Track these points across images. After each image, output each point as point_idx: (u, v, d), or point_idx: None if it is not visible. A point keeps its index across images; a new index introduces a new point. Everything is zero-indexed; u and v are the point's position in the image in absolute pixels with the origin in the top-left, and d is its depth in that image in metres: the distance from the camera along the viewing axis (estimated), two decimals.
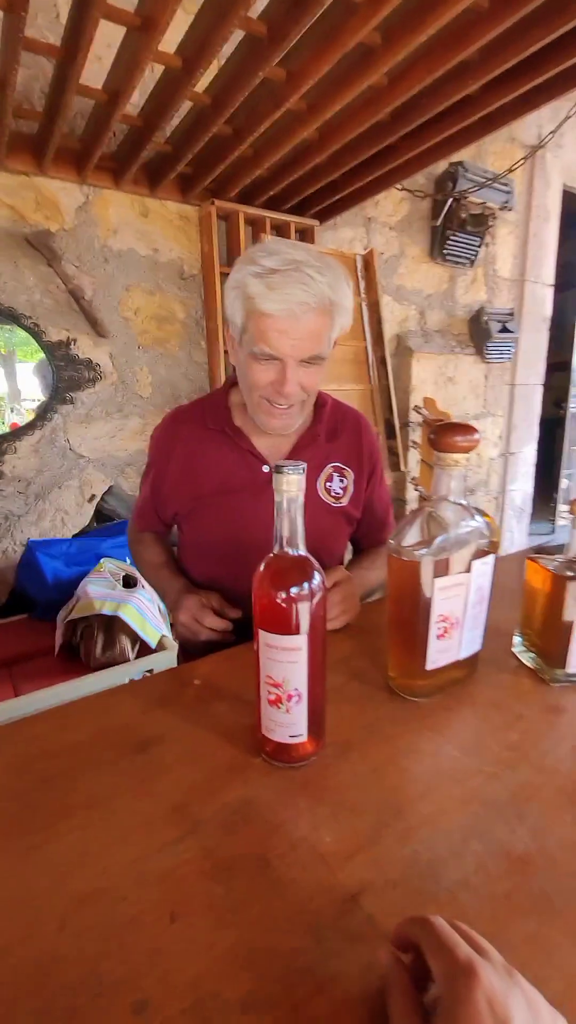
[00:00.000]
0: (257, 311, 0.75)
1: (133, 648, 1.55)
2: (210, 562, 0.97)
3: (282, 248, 0.75)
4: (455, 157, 2.48)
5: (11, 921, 0.40)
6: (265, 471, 0.91)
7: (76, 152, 1.64)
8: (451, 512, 0.62)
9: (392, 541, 0.63)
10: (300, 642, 0.50)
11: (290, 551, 0.51)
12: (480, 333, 2.91)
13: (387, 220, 2.49)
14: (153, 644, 1.58)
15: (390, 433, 2.39)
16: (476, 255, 2.81)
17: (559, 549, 0.71)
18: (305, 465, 0.49)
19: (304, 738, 0.53)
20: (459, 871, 0.43)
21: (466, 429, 0.61)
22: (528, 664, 0.73)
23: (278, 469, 0.48)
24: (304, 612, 0.50)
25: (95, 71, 1.36)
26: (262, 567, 0.52)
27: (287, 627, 0.50)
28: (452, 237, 2.62)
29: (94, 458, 1.95)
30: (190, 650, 1.04)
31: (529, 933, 0.38)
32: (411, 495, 2.66)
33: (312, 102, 1.38)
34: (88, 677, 1.44)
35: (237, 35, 1.18)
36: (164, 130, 1.48)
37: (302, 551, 0.51)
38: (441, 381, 2.80)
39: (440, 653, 0.64)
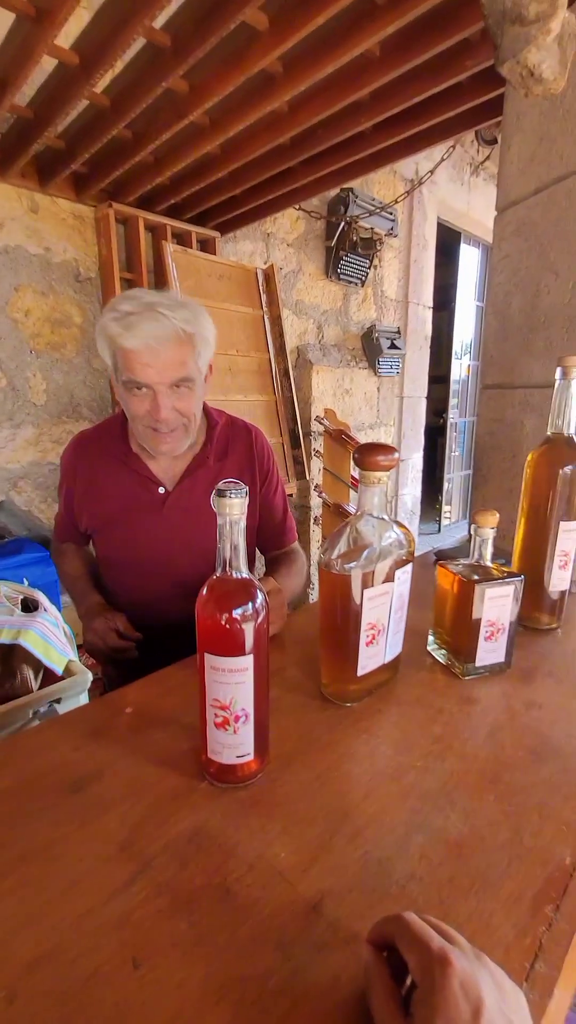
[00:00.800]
0: (120, 348, 0.83)
1: (37, 677, 1.42)
2: (120, 574, 1.06)
3: (140, 294, 0.85)
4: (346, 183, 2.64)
5: None
6: (160, 492, 0.99)
7: None
8: (374, 526, 0.67)
9: (322, 555, 0.66)
10: (247, 663, 0.51)
11: (233, 574, 0.51)
12: (372, 348, 3.11)
13: (285, 237, 2.58)
14: (60, 670, 1.47)
15: (295, 442, 2.46)
16: (366, 276, 3.00)
17: (458, 552, 0.79)
18: (247, 488, 0.50)
19: (251, 757, 0.54)
20: (406, 864, 0.47)
21: (387, 449, 0.65)
22: (441, 661, 0.80)
23: (220, 492, 0.49)
24: (249, 632, 0.51)
25: None
26: (205, 590, 0.52)
27: (233, 648, 0.50)
28: (345, 257, 2.77)
29: None
30: (99, 660, 1.14)
31: (471, 910, 0.43)
32: (315, 501, 2.76)
33: (215, 118, 1.40)
34: None
35: (140, 40, 1.15)
36: (57, 126, 1.40)
37: (244, 573, 0.52)
38: (339, 393, 2.95)
39: (369, 659, 0.68)
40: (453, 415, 4.41)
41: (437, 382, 4.22)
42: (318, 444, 2.68)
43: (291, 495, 2.43)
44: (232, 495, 0.49)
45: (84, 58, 1.16)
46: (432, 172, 2.51)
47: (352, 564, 0.64)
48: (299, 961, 0.39)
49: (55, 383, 1.88)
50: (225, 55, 1.16)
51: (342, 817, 0.51)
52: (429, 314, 3.74)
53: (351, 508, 2.47)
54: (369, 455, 0.65)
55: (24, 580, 1.68)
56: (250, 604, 0.51)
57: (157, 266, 2.01)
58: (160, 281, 1.99)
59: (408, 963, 0.31)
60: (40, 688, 1.42)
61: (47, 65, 1.26)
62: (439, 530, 4.57)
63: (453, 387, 4.31)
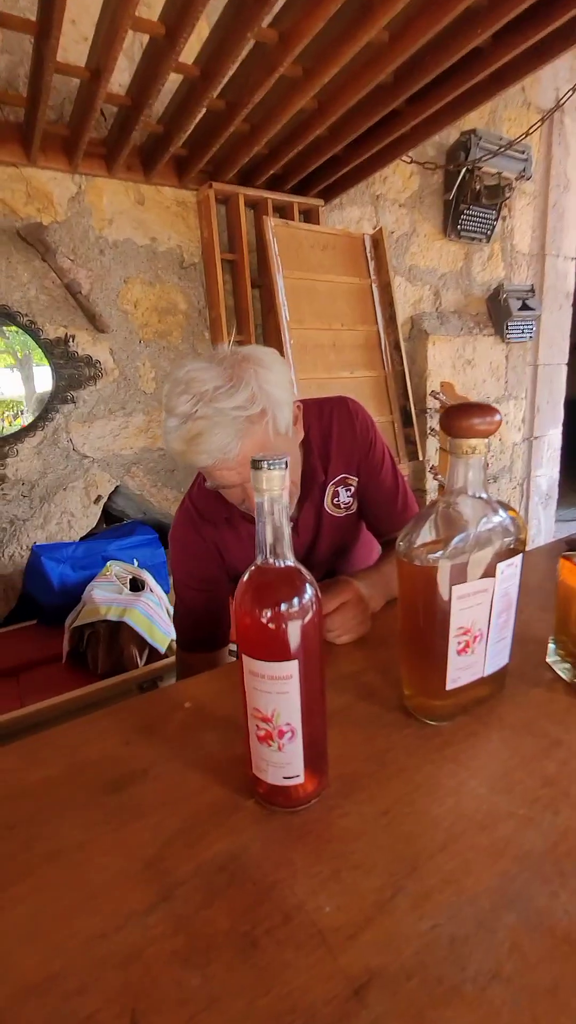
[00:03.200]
0: (192, 464, 0.73)
1: (141, 654, 1.49)
2: None
3: (191, 378, 0.69)
4: (466, 123, 2.34)
5: None
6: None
7: (65, 139, 1.57)
8: (469, 507, 0.53)
9: (401, 543, 0.54)
10: (290, 669, 0.42)
11: (276, 562, 0.43)
12: (499, 312, 2.77)
13: (396, 197, 2.37)
14: (163, 649, 1.53)
15: (406, 421, 2.28)
16: (492, 230, 2.66)
17: None
18: (287, 458, 0.41)
19: (300, 779, 0.45)
20: (489, 954, 0.35)
21: (484, 410, 0.51)
22: (564, 677, 0.63)
23: (256, 465, 0.40)
24: (295, 632, 0.42)
25: (82, 51, 1.29)
26: (245, 577, 0.44)
27: (274, 651, 0.42)
28: (466, 212, 2.48)
29: (99, 458, 1.89)
30: None
31: None
32: (431, 485, 2.54)
33: (308, 66, 1.28)
34: (96, 685, 1.40)
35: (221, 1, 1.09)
36: (154, 108, 1.40)
37: (290, 561, 0.43)
38: (459, 364, 2.67)
39: (461, 671, 0.55)
40: None
41: None
42: (434, 422, 2.45)
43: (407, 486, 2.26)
44: (270, 466, 0.40)
45: (169, 27, 1.12)
46: (574, 90, 2.11)
47: (438, 554, 0.52)
48: None
49: (162, 370, 1.94)
50: None
51: (409, 870, 0.41)
52: (572, 267, 3.22)
53: None
54: (460, 418, 0.51)
55: (134, 561, 1.78)
56: (296, 599, 0.42)
57: (259, 243, 1.96)
58: (262, 258, 1.94)
59: None
60: (146, 665, 1.49)
61: (140, 45, 1.26)
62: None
63: None
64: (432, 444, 2.51)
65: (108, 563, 1.71)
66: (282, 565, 0.43)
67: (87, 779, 0.51)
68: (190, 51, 1.20)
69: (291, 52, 1.18)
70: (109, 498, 1.98)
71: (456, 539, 0.52)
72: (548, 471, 3.46)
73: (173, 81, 1.35)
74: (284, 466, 0.40)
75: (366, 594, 0.77)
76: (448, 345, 2.60)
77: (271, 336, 2.00)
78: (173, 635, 1.55)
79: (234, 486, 0.75)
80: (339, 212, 2.23)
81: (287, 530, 0.42)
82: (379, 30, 1.16)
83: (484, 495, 0.54)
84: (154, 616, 1.54)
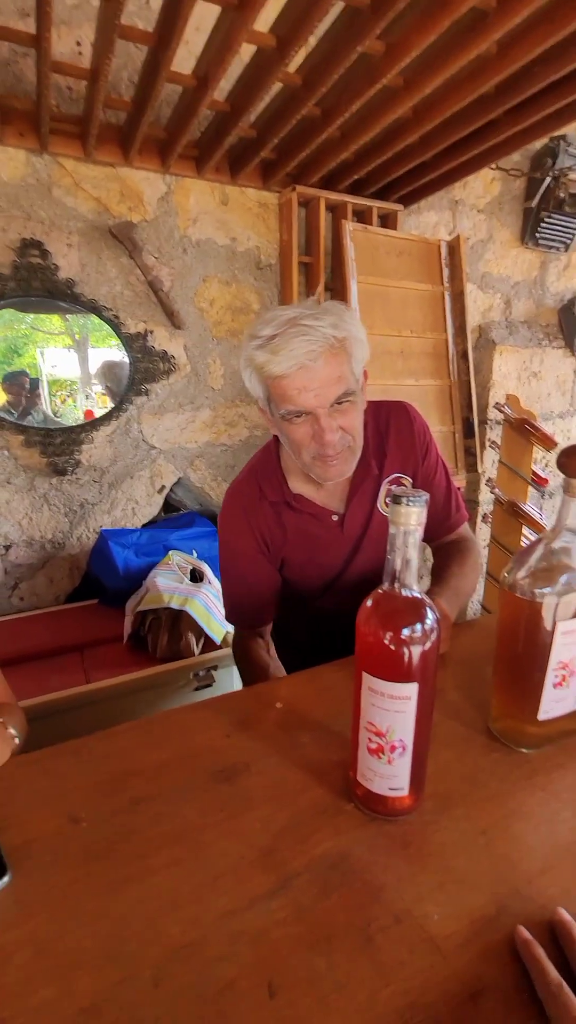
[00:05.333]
0: (271, 377, 0.76)
1: (198, 643, 1.56)
2: (301, 605, 1.02)
3: (278, 313, 0.76)
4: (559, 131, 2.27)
5: (102, 972, 0.38)
6: (335, 519, 0.93)
7: (161, 141, 1.62)
8: None
9: (507, 574, 0.56)
10: (410, 691, 0.45)
11: (402, 591, 0.45)
12: (571, 324, 2.69)
13: (475, 202, 2.33)
14: (218, 640, 1.59)
15: (468, 432, 2.25)
16: (572, 238, 2.58)
17: None
18: (428, 496, 0.44)
19: (405, 792, 0.48)
20: None
21: None
22: None
23: (395, 499, 0.43)
24: (416, 657, 0.45)
25: (180, 57, 1.33)
26: (369, 602, 0.47)
27: (396, 673, 0.45)
28: (547, 219, 2.41)
29: (165, 449, 1.96)
30: None
31: None
32: (485, 497, 2.51)
33: (410, 77, 1.29)
34: (155, 668, 1.47)
35: (335, 9, 1.10)
36: (250, 115, 1.43)
37: (416, 592, 0.46)
38: (524, 376, 2.62)
39: (555, 703, 0.57)
40: None
41: None
42: (495, 434, 2.41)
43: (459, 489, 2.25)
44: (410, 503, 0.43)
45: (280, 39, 1.15)
46: None
47: (546, 589, 0.53)
48: None
49: (231, 368, 1.99)
50: (428, 1, 1.05)
51: (511, 891, 0.43)
52: None
53: (528, 508, 2.19)
54: None
55: (193, 552, 1.84)
56: (419, 625, 0.45)
57: (335, 247, 1.98)
58: (337, 262, 1.96)
59: None
60: (201, 654, 1.55)
61: (243, 57, 1.29)
62: None
63: None
64: (491, 456, 2.47)
65: (170, 552, 1.78)
66: (408, 595, 0.45)
67: (199, 766, 0.56)
68: (291, 62, 1.23)
69: (397, 64, 1.19)
70: (170, 488, 2.05)
71: (564, 577, 0.54)
72: None
73: (270, 92, 1.38)
74: (424, 504, 0.43)
75: (447, 609, 0.80)
76: (515, 356, 2.54)
77: None
78: (228, 627, 1.61)
79: (308, 412, 0.77)
80: (416, 217, 2.21)
81: (415, 562, 0.45)
82: (490, 42, 1.15)
83: None
84: (212, 608, 1.60)
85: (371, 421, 0.92)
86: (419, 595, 0.46)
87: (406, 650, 0.44)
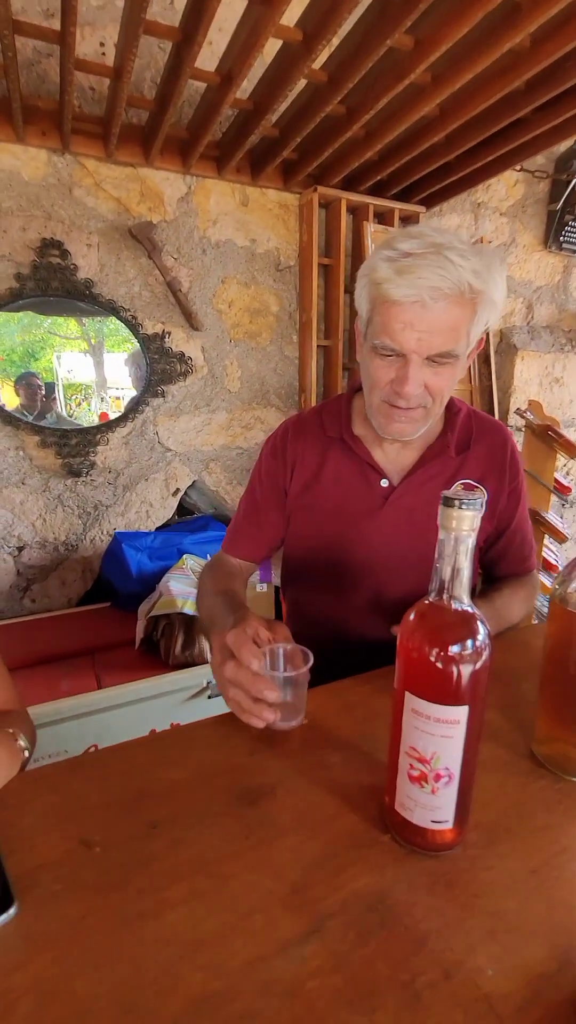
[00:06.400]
0: (382, 298, 0.67)
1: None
2: (311, 586, 0.91)
3: (427, 232, 0.67)
4: None
5: (118, 1020, 0.34)
6: (383, 486, 0.83)
7: (182, 141, 1.61)
8: None
9: (558, 586, 0.52)
10: (459, 715, 0.41)
11: (452, 604, 0.41)
12: None
13: (498, 205, 2.29)
14: None
15: None
16: None
17: None
18: (485, 499, 0.40)
19: (450, 825, 0.44)
20: None
21: None
22: None
23: (447, 502, 0.39)
24: (467, 677, 0.40)
25: (203, 57, 1.31)
26: (412, 615, 0.43)
27: (445, 695, 0.41)
28: (572, 222, 2.36)
29: (180, 452, 1.94)
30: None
31: None
32: None
33: (438, 73, 1.25)
34: (168, 675, 1.43)
35: (363, 2, 1.08)
36: (274, 113, 1.40)
37: (466, 604, 0.41)
38: (546, 382, 2.56)
39: None
40: None
41: None
42: (516, 440, 2.36)
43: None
44: (465, 506, 0.39)
45: (307, 34, 1.12)
46: None
47: None
48: None
49: (248, 371, 1.96)
50: None
51: (570, 943, 0.39)
52: None
53: (550, 517, 2.12)
54: None
55: (207, 556, 1.81)
56: (470, 642, 0.41)
57: (355, 249, 1.95)
58: (358, 264, 1.93)
59: None
60: None
61: (266, 56, 1.27)
62: None
63: None
64: None
65: (183, 556, 1.75)
66: (458, 608, 0.41)
67: (220, 786, 0.52)
68: (320, 56, 1.20)
69: (425, 59, 1.16)
70: (184, 491, 2.02)
71: None
72: None
73: (294, 89, 1.35)
74: (479, 507, 0.39)
75: None
76: (537, 361, 2.49)
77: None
78: None
79: (400, 354, 0.69)
80: (437, 219, 2.18)
81: (467, 573, 0.41)
82: (524, 34, 1.11)
83: None
84: None
85: (466, 418, 0.85)
86: (471, 608, 0.41)
87: (455, 668, 0.40)
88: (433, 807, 0.43)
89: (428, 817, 0.44)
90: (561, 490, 2.16)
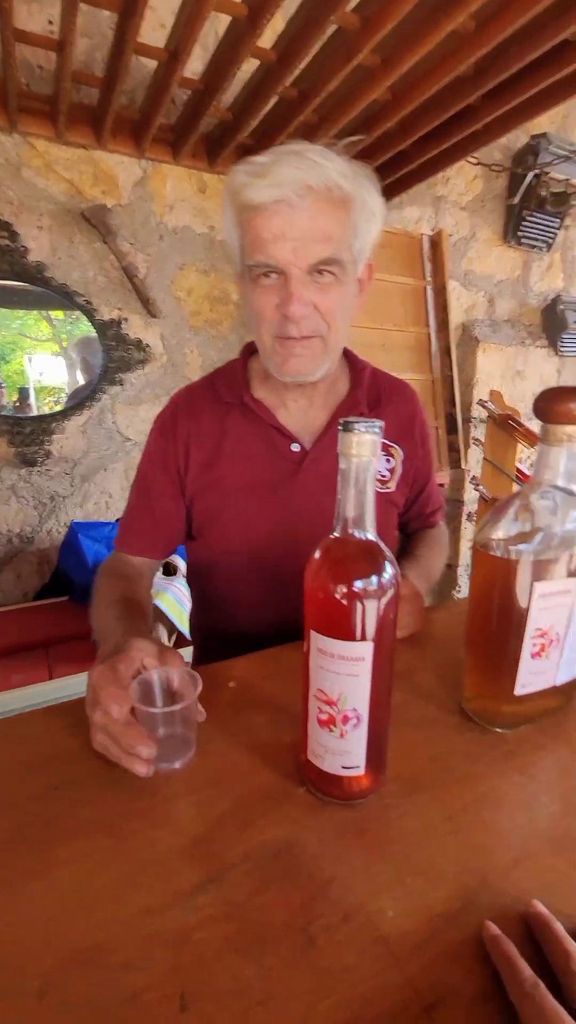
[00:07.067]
0: (245, 206, 0.60)
1: (170, 638, 1.49)
2: (223, 573, 0.79)
3: (287, 145, 0.61)
4: (537, 127, 2.28)
5: None
6: (295, 450, 0.75)
7: (135, 123, 1.59)
8: (558, 501, 0.50)
9: (480, 532, 0.51)
10: (364, 651, 0.39)
11: (356, 534, 0.40)
12: (555, 323, 2.68)
13: (458, 199, 2.32)
14: (189, 635, 1.52)
15: (451, 428, 2.22)
16: (554, 238, 2.58)
17: None
18: (383, 424, 0.38)
19: (361, 771, 0.42)
20: None
21: None
22: None
23: (347, 426, 0.38)
24: (371, 613, 0.39)
25: (158, 38, 1.30)
26: (318, 553, 0.41)
27: (348, 631, 0.39)
28: (529, 218, 2.41)
29: (140, 441, 1.90)
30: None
31: None
32: (469, 496, 2.48)
33: (387, 55, 1.26)
34: None
35: None
36: (226, 93, 1.39)
37: (371, 535, 0.40)
38: (508, 375, 2.60)
39: (533, 675, 0.51)
40: None
41: None
42: (479, 432, 2.39)
43: (442, 485, 2.21)
44: (363, 429, 0.37)
45: (252, 8, 1.11)
46: None
47: (522, 547, 0.48)
48: None
49: (209, 359, 1.94)
50: None
51: (480, 884, 0.37)
52: None
53: None
54: (558, 401, 0.48)
55: None
56: (375, 577, 0.39)
57: None
58: None
59: None
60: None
61: (217, 31, 1.25)
62: None
63: None
64: (475, 454, 2.45)
65: None
66: (363, 538, 0.40)
67: None
68: (265, 39, 1.19)
69: (372, 39, 1.16)
70: None
71: (541, 533, 0.48)
72: None
73: (245, 71, 1.35)
74: (378, 431, 0.37)
75: (418, 587, 0.74)
76: (499, 354, 2.53)
77: None
78: None
79: (280, 271, 0.62)
80: (398, 211, 2.20)
81: (371, 501, 0.39)
82: (467, 16, 1.12)
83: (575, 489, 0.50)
84: (184, 602, 1.53)
85: (372, 377, 0.81)
86: (375, 540, 0.40)
87: (360, 603, 0.39)
88: (342, 751, 0.41)
89: (338, 763, 0.42)
90: (523, 479, 2.19)
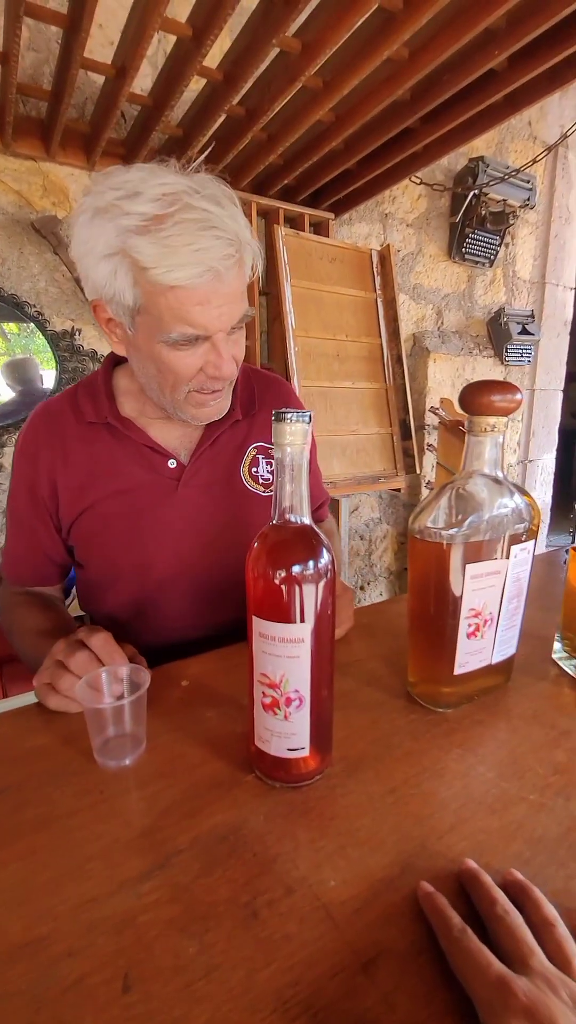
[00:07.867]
0: (159, 286, 0.54)
1: None
2: (113, 597, 0.74)
3: (142, 176, 0.54)
4: (474, 151, 2.42)
5: None
6: (172, 467, 0.71)
7: (85, 136, 1.59)
8: (485, 488, 0.53)
9: (413, 521, 0.53)
10: (303, 632, 0.41)
11: (293, 519, 0.42)
12: (499, 334, 2.82)
13: (404, 216, 2.42)
14: None
15: (405, 434, 2.29)
16: (496, 255, 2.72)
17: None
18: (312, 413, 0.40)
19: (306, 752, 0.44)
20: None
21: (504, 387, 0.51)
22: (571, 672, 0.62)
23: (279, 417, 0.39)
24: (309, 595, 0.41)
25: (107, 54, 1.32)
26: (256, 542, 0.43)
27: (287, 614, 0.41)
28: (471, 235, 2.54)
29: None
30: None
31: None
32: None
33: (328, 78, 1.32)
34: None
35: (251, 5, 1.12)
36: (174, 112, 1.42)
37: (307, 520, 0.42)
38: (458, 383, 2.70)
39: (470, 655, 0.54)
40: None
41: None
42: (432, 439, 2.47)
43: (399, 490, 2.27)
44: (295, 418, 0.39)
45: (196, 29, 1.15)
46: None
47: (453, 531, 0.51)
48: None
49: None
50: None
51: (418, 849, 0.39)
52: (571, 296, 3.30)
53: None
54: (480, 395, 0.51)
55: None
56: (311, 562, 0.41)
57: (268, 252, 1.99)
58: (271, 267, 1.97)
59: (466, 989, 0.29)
60: None
61: (165, 48, 1.28)
62: (573, 542, 4.03)
63: None
64: (429, 460, 2.53)
65: None
66: (299, 523, 0.42)
67: (81, 749, 0.49)
68: (212, 59, 1.23)
69: (314, 62, 1.21)
70: None
71: (471, 518, 0.51)
72: (540, 495, 3.49)
73: (192, 90, 1.38)
74: (309, 420, 0.40)
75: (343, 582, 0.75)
76: (448, 364, 2.63)
77: (276, 343, 2.02)
78: None
79: (206, 336, 0.58)
80: (348, 227, 2.27)
81: (305, 487, 0.41)
82: (400, 45, 1.19)
83: (500, 476, 0.53)
84: None
85: (245, 379, 0.78)
86: (311, 524, 0.42)
87: (297, 587, 0.40)
88: (287, 734, 0.43)
89: (284, 745, 0.43)
90: None
